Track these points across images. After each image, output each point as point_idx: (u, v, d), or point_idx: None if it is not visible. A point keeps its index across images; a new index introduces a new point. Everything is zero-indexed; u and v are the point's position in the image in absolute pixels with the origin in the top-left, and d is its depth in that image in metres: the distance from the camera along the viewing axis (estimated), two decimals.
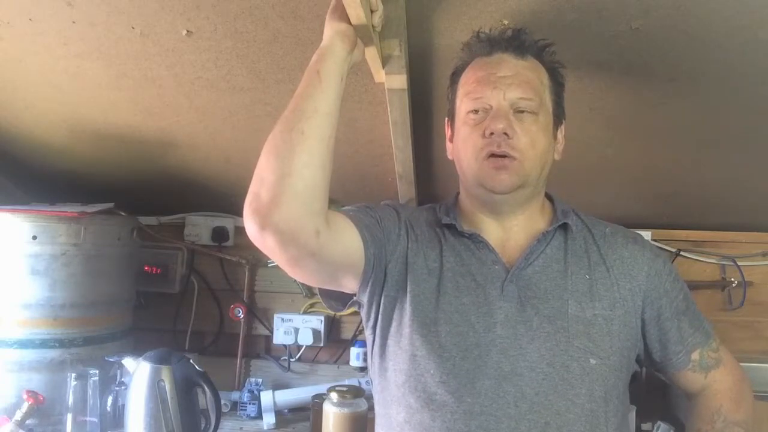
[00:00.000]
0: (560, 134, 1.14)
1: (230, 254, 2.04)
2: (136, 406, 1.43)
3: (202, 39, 1.27)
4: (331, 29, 1.00)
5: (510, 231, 1.11)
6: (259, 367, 2.02)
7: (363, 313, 1.12)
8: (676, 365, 1.12)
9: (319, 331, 1.94)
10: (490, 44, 1.10)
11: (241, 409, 1.81)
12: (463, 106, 1.10)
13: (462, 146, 1.09)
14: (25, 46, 1.34)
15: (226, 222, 2.05)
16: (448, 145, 1.17)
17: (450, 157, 1.17)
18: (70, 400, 1.53)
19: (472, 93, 1.08)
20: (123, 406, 1.51)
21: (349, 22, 0.99)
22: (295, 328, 1.94)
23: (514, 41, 1.09)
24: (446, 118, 1.19)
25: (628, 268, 1.09)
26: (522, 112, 1.05)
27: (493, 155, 1.04)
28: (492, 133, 1.04)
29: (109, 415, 1.57)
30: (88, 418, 1.54)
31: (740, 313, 1.88)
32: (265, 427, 1.73)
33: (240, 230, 2.02)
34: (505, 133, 1.03)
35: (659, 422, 1.44)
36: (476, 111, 1.07)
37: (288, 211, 0.90)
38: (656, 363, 1.14)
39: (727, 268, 1.91)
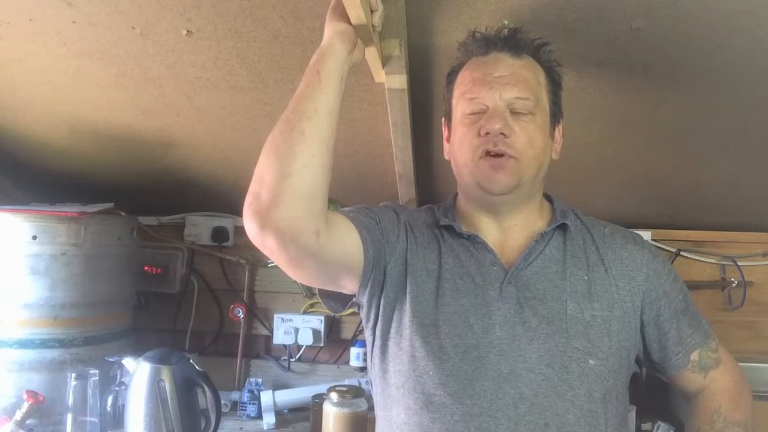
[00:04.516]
0: (558, 133, 1.14)
1: (230, 254, 2.04)
2: (136, 406, 1.43)
3: (202, 39, 1.27)
4: (331, 29, 1.00)
5: (508, 231, 1.11)
6: (259, 367, 2.02)
7: (363, 314, 1.12)
8: (676, 366, 1.12)
9: (319, 331, 1.95)
10: (485, 44, 1.10)
11: (241, 409, 1.81)
12: (459, 106, 1.10)
13: (458, 146, 1.09)
14: (24, 46, 1.34)
15: (226, 222, 2.05)
16: (445, 145, 1.17)
17: (447, 157, 1.16)
18: (70, 400, 1.52)
19: (468, 93, 1.08)
20: (123, 406, 1.51)
21: (349, 22, 0.99)
22: (295, 328, 1.94)
23: (510, 40, 1.08)
24: (443, 119, 1.19)
25: (627, 268, 1.09)
26: (518, 111, 1.05)
27: (488, 154, 1.04)
28: (488, 133, 1.03)
29: (109, 415, 1.57)
30: (88, 418, 1.53)
31: (740, 313, 1.88)
32: (265, 427, 1.73)
33: (240, 230, 2.02)
34: (502, 134, 1.03)
35: (659, 422, 1.44)
36: (473, 111, 1.07)
37: (288, 212, 0.90)
38: (655, 363, 1.13)
39: (727, 268, 1.91)
